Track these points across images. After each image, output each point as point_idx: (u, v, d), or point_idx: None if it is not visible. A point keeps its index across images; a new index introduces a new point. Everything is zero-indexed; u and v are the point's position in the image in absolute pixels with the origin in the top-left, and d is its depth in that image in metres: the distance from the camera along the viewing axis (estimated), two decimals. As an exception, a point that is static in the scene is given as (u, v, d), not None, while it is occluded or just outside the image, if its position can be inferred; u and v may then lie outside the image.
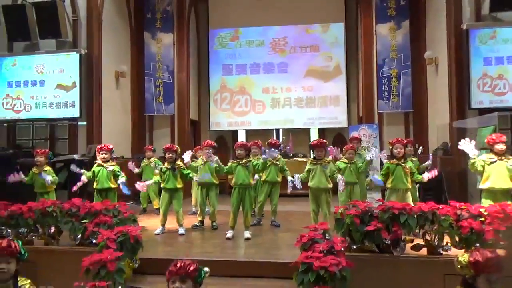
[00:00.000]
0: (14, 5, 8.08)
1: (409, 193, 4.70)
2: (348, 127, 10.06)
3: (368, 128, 7.85)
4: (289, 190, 5.01)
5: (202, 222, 5.78)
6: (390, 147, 4.80)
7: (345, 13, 10.89)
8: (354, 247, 3.56)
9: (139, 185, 5.33)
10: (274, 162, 5.79)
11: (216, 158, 4.98)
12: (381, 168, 5.49)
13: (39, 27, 7.90)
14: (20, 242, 2.29)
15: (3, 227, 4.18)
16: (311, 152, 5.61)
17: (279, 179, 5.92)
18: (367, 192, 6.46)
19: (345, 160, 5.50)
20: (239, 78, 11.19)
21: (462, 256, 2.26)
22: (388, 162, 4.78)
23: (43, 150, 5.40)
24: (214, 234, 5.31)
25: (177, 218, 5.30)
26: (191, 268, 2.07)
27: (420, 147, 6.57)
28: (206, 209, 5.87)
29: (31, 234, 4.18)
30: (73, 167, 5.22)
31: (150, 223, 5.82)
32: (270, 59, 11.07)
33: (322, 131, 11.12)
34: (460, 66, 7.04)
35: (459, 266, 2.24)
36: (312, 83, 10.84)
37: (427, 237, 3.52)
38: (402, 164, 4.66)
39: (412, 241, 3.63)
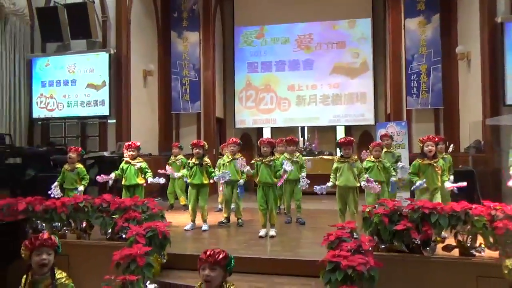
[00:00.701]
0: (47, 8, 8.38)
1: (438, 192, 4.55)
2: (375, 125, 9.87)
3: (396, 125, 7.66)
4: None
5: (228, 219, 5.81)
6: (421, 145, 4.65)
7: (372, 8, 10.67)
8: (383, 246, 3.49)
9: (169, 169, 5.65)
10: (294, 159, 5.76)
11: (248, 167, 4.98)
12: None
13: (71, 28, 8.17)
14: (57, 237, 2.38)
15: (38, 221, 4.36)
16: (338, 150, 5.55)
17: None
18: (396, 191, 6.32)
19: (372, 158, 5.40)
20: (264, 75, 11.18)
21: (510, 260, 2.15)
22: (418, 161, 4.63)
23: (76, 148, 5.57)
24: (240, 231, 5.33)
25: (201, 214, 5.35)
26: (221, 256, 2.11)
27: (451, 145, 6.37)
28: (232, 206, 5.91)
29: (64, 228, 4.32)
30: (100, 179, 5.27)
31: (177, 219, 5.91)
32: (296, 56, 11.00)
33: (348, 129, 10.97)
34: (494, 61, 6.79)
35: (505, 271, 2.15)
36: (338, 80, 10.70)
37: (459, 237, 3.41)
38: (434, 164, 4.49)
39: (443, 241, 3.52)
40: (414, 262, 3.36)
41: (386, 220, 3.34)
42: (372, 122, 10.41)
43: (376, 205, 3.63)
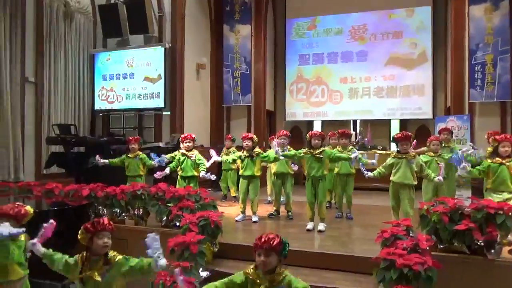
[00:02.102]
0: (108, 5, 8.82)
1: None
2: (433, 119, 9.37)
3: (457, 119, 7.21)
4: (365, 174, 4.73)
5: (277, 211, 5.83)
6: (495, 144, 4.24)
7: (432, -5, 10.10)
8: (441, 246, 3.31)
9: (213, 152, 5.55)
10: (346, 152, 5.62)
11: (278, 149, 4.96)
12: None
13: (129, 23, 8.54)
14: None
15: (100, 207, 4.65)
16: (392, 145, 5.34)
17: (353, 171, 5.72)
18: (456, 188, 5.97)
19: (430, 153, 5.13)
20: (316, 67, 10.99)
21: None
22: (489, 160, 4.26)
23: (135, 138, 5.84)
24: (290, 224, 5.32)
25: (251, 206, 5.40)
26: (275, 242, 2.15)
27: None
28: (281, 199, 5.91)
29: (123, 214, 4.57)
30: (154, 156, 5.52)
31: (228, 210, 6.01)
32: (349, 48, 10.69)
33: (404, 123, 10.50)
34: None
35: None
36: (393, 72, 10.27)
37: (529, 241, 3.15)
38: (507, 164, 4.05)
39: (510, 244, 3.27)
40: (476, 264, 3.16)
41: (446, 219, 3.17)
42: (430, 116, 9.89)
43: (435, 203, 3.45)
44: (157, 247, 2.33)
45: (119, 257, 2.47)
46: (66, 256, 2.49)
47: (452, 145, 5.69)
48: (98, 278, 2.34)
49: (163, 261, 2.30)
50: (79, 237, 2.43)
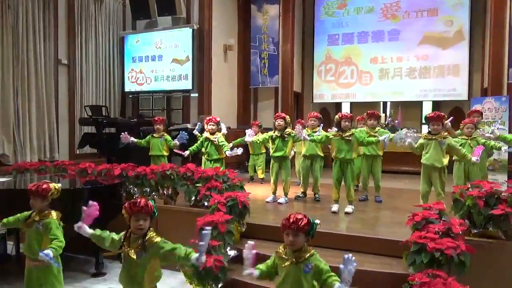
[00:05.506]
0: (137, -14, 8.86)
1: None
2: (468, 100, 9.00)
3: (495, 101, 6.86)
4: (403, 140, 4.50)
5: (304, 193, 5.80)
6: None
7: (471, -31, 9.54)
8: (475, 231, 3.21)
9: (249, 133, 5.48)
10: (373, 134, 5.48)
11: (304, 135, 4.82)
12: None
13: (157, 5, 8.57)
14: (153, 202, 2.51)
15: (131, 186, 4.77)
16: (424, 128, 5.17)
17: (380, 153, 5.58)
18: (488, 172, 5.74)
19: (464, 136, 4.94)
20: (345, 48, 10.70)
21: None
22: None
23: (161, 119, 5.91)
24: (317, 206, 5.29)
25: (283, 187, 5.38)
26: (303, 223, 2.20)
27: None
28: (310, 181, 5.87)
29: (153, 193, 4.68)
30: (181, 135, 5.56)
31: (254, 191, 6.03)
32: (380, 27, 10.32)
33: (436, 104, 10.13)
34: None
35: None
36: (427, 51, 9.86)
37: None
38: None
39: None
40: (511, 250, 3.05)
41: (481, 203, 3.05)
42: (465, 97, 9.49)
43: (470, 187, 3.33)
44: (207, 242, 2.34)
45: (158, 239, 2.44)
46: (113, 234, 2.52)
47: (481, 127, 5.45)
48: (134, 256, 2.35)
49: (203, 257, 2.31)
50: (123, 215, 2.45)
